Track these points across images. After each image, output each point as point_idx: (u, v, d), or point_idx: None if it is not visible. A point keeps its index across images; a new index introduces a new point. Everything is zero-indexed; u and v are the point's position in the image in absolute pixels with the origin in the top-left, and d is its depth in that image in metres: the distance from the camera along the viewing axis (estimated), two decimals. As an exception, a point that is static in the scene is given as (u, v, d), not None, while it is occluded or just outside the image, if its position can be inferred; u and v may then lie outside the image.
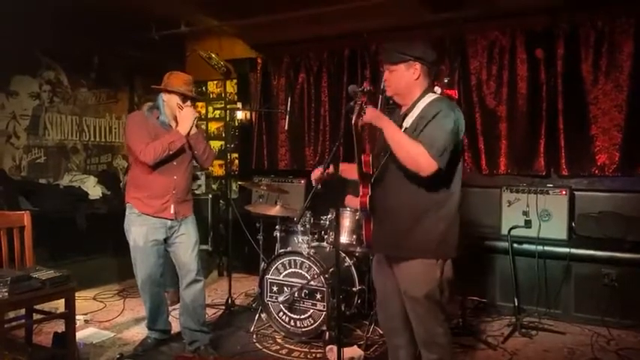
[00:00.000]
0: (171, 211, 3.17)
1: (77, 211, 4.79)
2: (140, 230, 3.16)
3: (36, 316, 3.14)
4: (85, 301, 4.31)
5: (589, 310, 3.85)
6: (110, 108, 5.70)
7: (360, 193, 2.35)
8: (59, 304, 3.10)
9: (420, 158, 2.17)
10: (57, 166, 5.26)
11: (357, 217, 3.70)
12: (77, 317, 3.28)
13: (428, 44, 2.40)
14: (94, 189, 5.16)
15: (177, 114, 3.15)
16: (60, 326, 3.17)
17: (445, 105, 2.29)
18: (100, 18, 4.77)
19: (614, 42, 4.13)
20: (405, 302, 2.40)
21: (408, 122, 2.32)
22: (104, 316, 4.00)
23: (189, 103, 3.19)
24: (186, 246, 3.25)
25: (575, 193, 4.27)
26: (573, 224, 4.17)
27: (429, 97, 2.34)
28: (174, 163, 3.18)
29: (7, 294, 2.65)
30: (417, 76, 2.32)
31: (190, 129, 3.13)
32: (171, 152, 3.08)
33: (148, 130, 3.12)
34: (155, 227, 3.17)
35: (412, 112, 2.34)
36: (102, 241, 4.78)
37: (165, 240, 3.23)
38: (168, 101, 3.18)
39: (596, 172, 4.25)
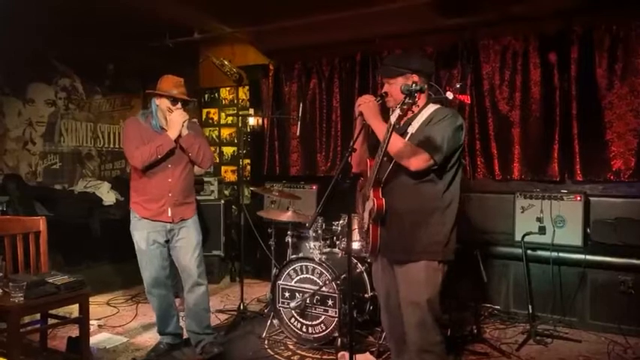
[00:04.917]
0: (169, 214, 3.19)
1: (91, 216, 4.85)
2: (141, 234, 3.20)
3: (51, 321, 3.18)
4: (98, 306, 4.34)
5: (605, 318, 3.78)
6: (124, 114, 5.76)
7: (372, 196, 2.34)
8: (73, 309, 3.13)
9: (414, 153, 2.27)
10: (72, 172, 5.33)
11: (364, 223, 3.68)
12: (91, 322, 3.31)
13: (424, 55, 2.47)
14: (107, 195, 5.23)
15: (167, 117, 3.16)
16: (74, 331, 3.20)
17: (450, 111, 2.45)
18: (114, 25, 4.83)
19: (629, 45, 4.08)
20: (405, 309, 2.40)
21: (414, 127, 2.39)
22: (117, 321, 4.03)
23: (179, 105, 3.17)
24: (186, 250, 3.26)
25: (591, 198, 4.21)
26: (588, 230, 4.11)
27: (434, 106, 2.44)
28: (169, 166, 3.19)
29: (22, 299, 2.69)
30: None
31: (180, 132, 3.13)
32: (159, 156, 3.09)
33: (141, 135, 3.14)
34: (155, 230, 3.20)
35: (417, 118, 2.41)
36: (116, 247, 4.79)
37: (167, 242, 3.26)
38: (160, 105, 3.19)
39: (612, 177, 4.19)
